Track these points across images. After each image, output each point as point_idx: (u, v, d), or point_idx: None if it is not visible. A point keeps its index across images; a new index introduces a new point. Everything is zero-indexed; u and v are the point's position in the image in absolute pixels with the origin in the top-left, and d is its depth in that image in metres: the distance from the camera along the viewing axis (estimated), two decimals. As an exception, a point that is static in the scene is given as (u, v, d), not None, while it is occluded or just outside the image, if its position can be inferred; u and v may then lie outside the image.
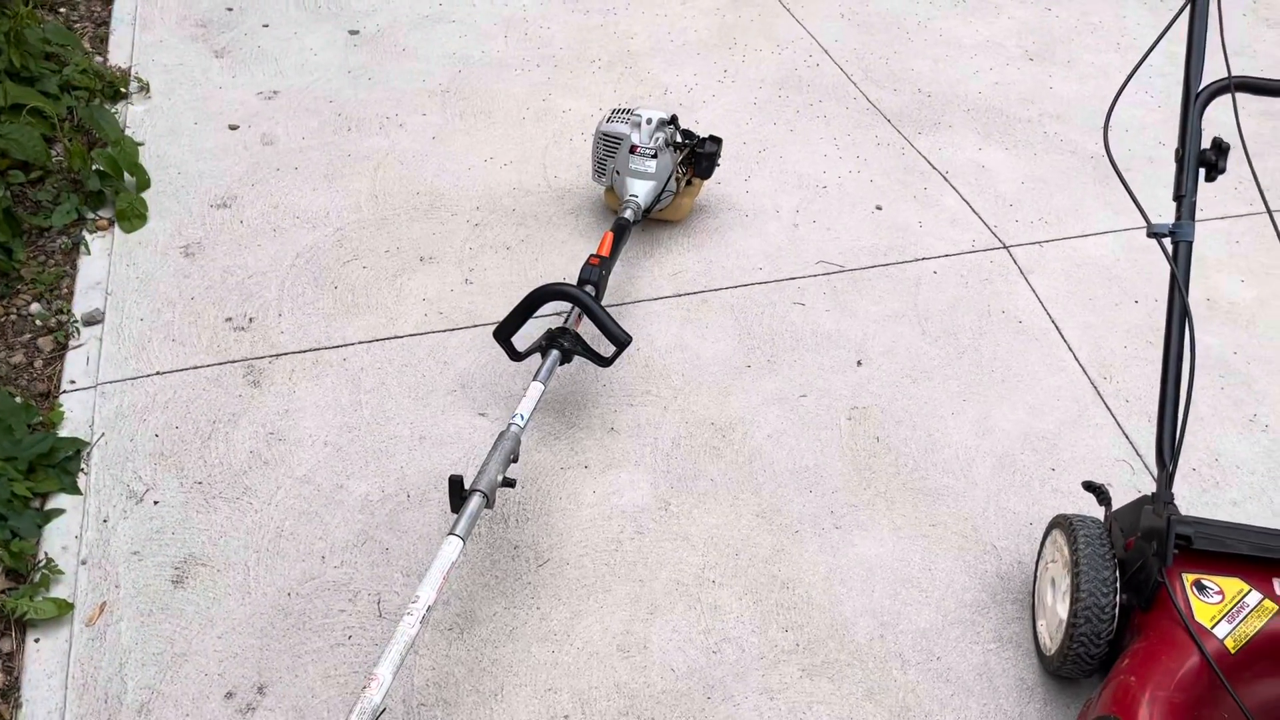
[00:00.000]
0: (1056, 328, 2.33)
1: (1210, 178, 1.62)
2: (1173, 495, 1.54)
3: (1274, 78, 1.67)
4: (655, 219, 2.50)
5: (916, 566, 1.83)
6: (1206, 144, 1.62)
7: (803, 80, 3.11)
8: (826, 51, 3.25)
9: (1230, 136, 1.64)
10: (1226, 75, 1.64)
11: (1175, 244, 1.60)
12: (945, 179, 2.75)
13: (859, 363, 2.21)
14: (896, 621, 1.75)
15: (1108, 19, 3.57)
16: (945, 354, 2.25)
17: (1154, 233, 1.59)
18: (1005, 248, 2.54)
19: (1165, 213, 1.81)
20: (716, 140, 2.45)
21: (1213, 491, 1.99)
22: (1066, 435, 2.09)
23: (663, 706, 1.61)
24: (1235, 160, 2.82)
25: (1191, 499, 1.98)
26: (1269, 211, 1.54)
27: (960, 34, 3.43)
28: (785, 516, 1.90)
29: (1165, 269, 2.48)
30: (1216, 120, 1.84)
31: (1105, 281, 2.47)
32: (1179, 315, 1.57)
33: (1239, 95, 1.65)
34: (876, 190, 2.70)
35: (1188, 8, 1.68)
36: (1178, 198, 1.61)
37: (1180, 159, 1.62)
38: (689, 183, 2.49)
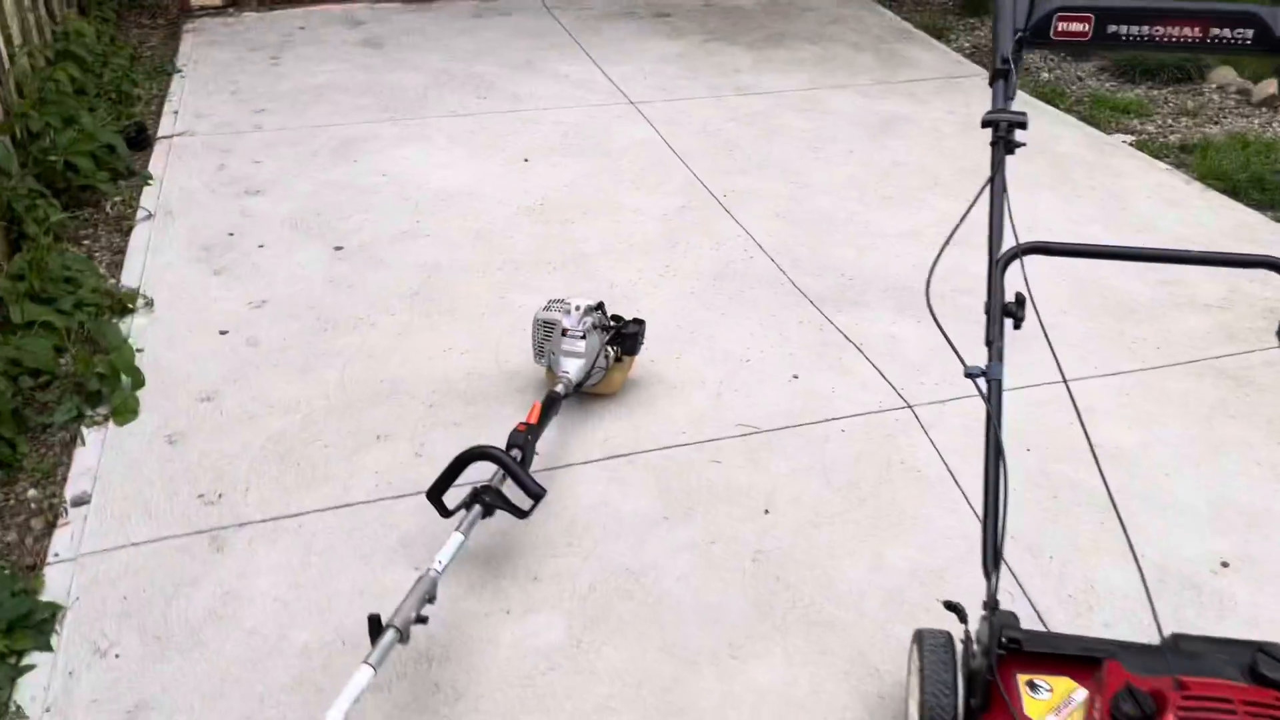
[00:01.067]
0: (952, 475, 2.54)
1: (1016, 326, 1.89)
2: (998, 602, 1.72)
3: (1062, 241, 1.96)
4: (591, 394, 2.78)
5: (804, 690, 1.99)
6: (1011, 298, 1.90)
7: (736, 271, 3.47)
8: (760, 245, 3.62)
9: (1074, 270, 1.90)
10: (1018, 243, 1.93)
11: (989, 383, 1.85)
12: (859, 349, 3.04)
13: (766, 511, 2.43)
14: (781, 739, 1.89)
15: (1022, 207, 3.86)
16: (847, 502, 2.46)
17: (969, 374, 1.84)
18: (909, 407, 2.79)
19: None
20: (639, 321, 2.77)
21: (1085, 615, 2.15)
22: (954, 569, 2.26)
23: (557, 822, 1.75)
24: (1133, 322, 3.10)
25: (1066, 622, 2.13)
26: (1061, 376, 1.79)
27: (885, 225, 3.80)
28: (686, 649, 2.07)
29: (1056, 420, 2.72)
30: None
31: (1000, 433, 2.69)
32: (994, 446, 1.79)
33: (1043, 255, 1.95)
34: (795, 362, 2.98)
35: (987, 188, 1.98)
36: (988, 343, 1.87)
37: (988, 311, 1.89)
38: (619, 360, 2.78)
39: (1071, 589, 2.21)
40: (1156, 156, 4.45)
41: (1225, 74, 5.27)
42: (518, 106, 4.83)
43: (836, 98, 5.04)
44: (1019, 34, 1.95)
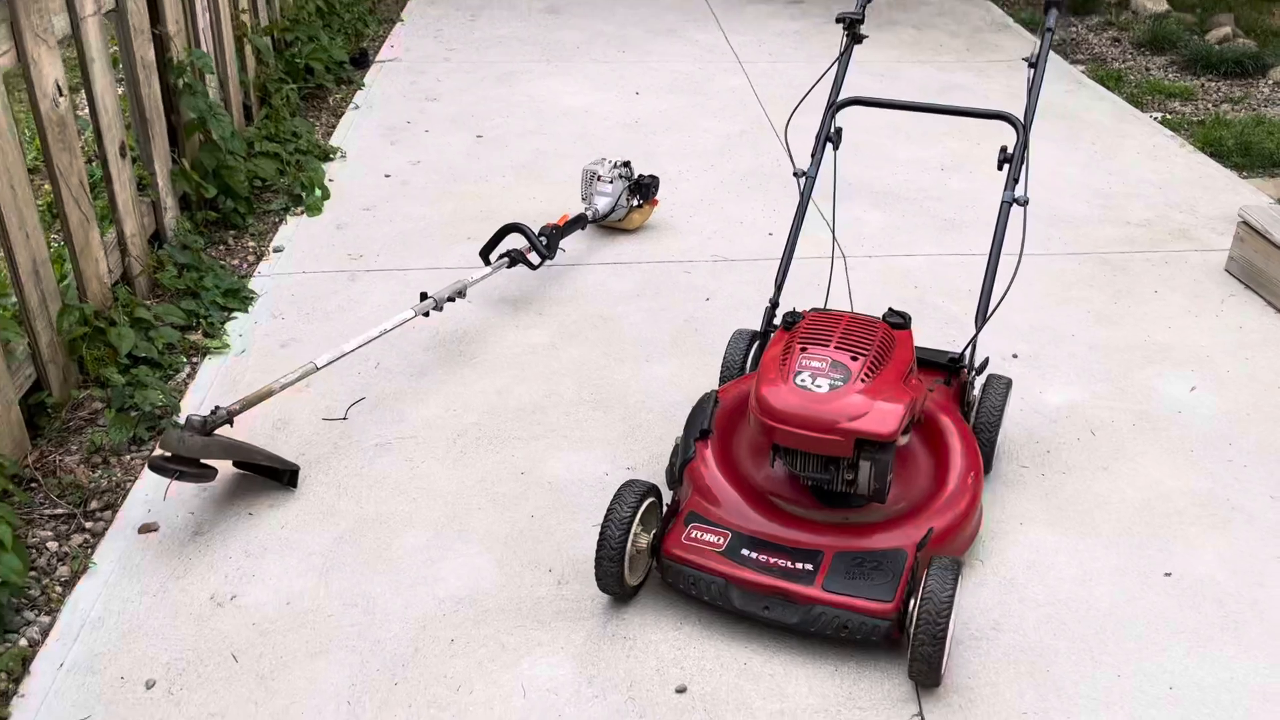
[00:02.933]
0: (849, 293, 3.54)
1: (834, 148, 2.90)
2: (778, 302, 2.76)
3: (877, 97, 2.96)
4: (616, 228, 3.94)
5: (684, 379, 3.08)
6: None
7: (763, 173, 4.53)
8: (792, 160, 4.66)
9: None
10: (846, 96, 2.94)
11: (806, 179, 2.88)
12: (828, 224, 4.05)
13: (708, 299, 3.51)
14: (658, 395, 2.99)
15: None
16: (766, 299, 3.50)
17: (795, 173, 2.88)
18: (844, 258, 3.79)
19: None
20: (653, 177, 3.91)
21: (890, 365, 3.12)
22: (818, 339, 3.27)
23: (510, 415, 2.93)
24: (1059, 228, 3.94)
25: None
26: (833, 224, 2.81)
27: (899, 155, 4.75)
28: (619, 355, 3.20)
29: (951, 274, 3.65)
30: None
31: (902, 277, 3.66)
32: (799, 214, 2.83)
33: (860, 107, 2.95)
34: (775, 226, 4.03)
35: (838, 62, 3.01)
36: (812, 154, 2.91)
37: (818, 137, 2.93)
38: (640, 205, 3.93)
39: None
40: (1174, 129, 5.14)
41: (1284, 71, 5.81)
42: (645, 59, 6.05)
43: (914, 69, 5.96)
44: None
